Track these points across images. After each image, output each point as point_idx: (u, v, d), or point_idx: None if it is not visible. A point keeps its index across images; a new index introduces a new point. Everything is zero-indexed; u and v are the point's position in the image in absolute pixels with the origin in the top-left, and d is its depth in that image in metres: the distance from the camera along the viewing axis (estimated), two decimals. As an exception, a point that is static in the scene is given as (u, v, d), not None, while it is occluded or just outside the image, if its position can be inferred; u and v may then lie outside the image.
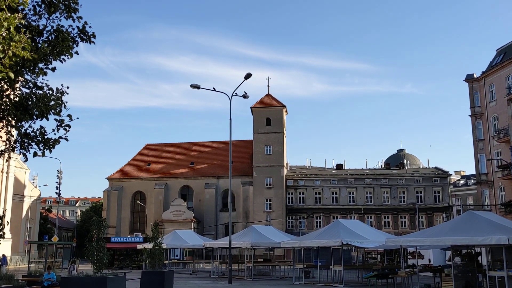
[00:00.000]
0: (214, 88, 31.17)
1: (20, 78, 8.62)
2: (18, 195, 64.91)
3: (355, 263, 38.84)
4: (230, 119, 30.95)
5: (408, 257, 31.89)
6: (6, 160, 56.61)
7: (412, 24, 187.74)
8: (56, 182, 51.68)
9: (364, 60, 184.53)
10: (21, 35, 6.97)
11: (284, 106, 76.98)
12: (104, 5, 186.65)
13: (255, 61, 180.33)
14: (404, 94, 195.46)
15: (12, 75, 7.19)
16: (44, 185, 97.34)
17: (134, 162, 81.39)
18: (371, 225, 62.61)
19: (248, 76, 29.07)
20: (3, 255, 44.76)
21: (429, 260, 31.95)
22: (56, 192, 52.14)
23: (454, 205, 71.29)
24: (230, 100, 30.82)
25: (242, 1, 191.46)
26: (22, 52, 7.06)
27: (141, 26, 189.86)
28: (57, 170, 52.07)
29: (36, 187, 73.62)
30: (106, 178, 78.47)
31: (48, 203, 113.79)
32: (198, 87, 30.17)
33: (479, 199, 55.78)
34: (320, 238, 28.17)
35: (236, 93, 30.86)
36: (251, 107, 76.28)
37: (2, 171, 56.50)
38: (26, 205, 67.89)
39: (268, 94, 78.46)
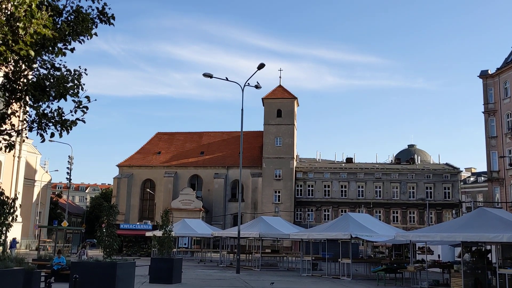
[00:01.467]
0: (226, 78, 31.10)
1: (38, 57, 8.59)
2: (29, 180, 65.44)
3: (363, 257, 38.78)
4: (242, 109, 30.89)
5: (417, 252, 31.77)
6: (19, 143, 57.12)
7: (425, 19, 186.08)
8: (67, 168, 52.12)
9: (376, 54, 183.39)
10: (43, 12, 6.93)
11: (296, 98, 76.77)
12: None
13: (266, 52, 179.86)
14: (415, 89, 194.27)
15: (32, 53, 7.15)
16: (55, 171, 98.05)
17: (144, 150, 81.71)
18: (380, 220, 62.45)
19: (261, 66, 28.95)
20: (13, 239, 45.25)
21: (439, 256, 31.83)
22: (66, 178, 52.60)
23: (464, 201, 70.89)
24: (243, 90, 30.75)
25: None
26: (44, 30, 7.01)
27: (153, 13, 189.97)
28: (68, 156, 52.51)
29: (47, 172, 74.21)
30: (116, 165, 78.93)
31: (58, 188, 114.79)
32: (210, 76, 30.11)
33: (490, 196, 55.43)
34: (329, 230, 28.13)
35: (248, 83, 30.78)
36: (262, 98, 76.14)
37: (14, 156, 56.92)
38: (36, 190, 68.48)
39: (280, 86, 78.26)
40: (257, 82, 31.25)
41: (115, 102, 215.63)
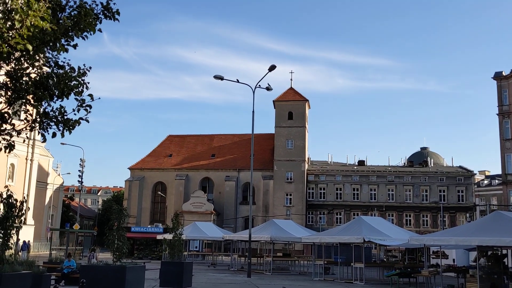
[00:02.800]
0: (237, 80, 30.89)
1: (41, 55, 8.38)
2: (42, 183, 65.81)
3: (376, 261, 38.29)
4: (253, 111, 30.71)
5: (432, 256, 31.29)
6: (32, 147, 57.40)
7: (437, 21, 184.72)
8: (79, 171, 52.14)
9: (387, 56, 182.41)
10: (40, 3, 6.71)
11: (307, 100, 76.41)
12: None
13: (277, 55, 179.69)
14: (428, 91, 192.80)
15: (30, 47, 6.93)
16: (67, 173, 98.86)
17: (156, 153, 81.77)
18: (393, 223, 61.77)
19: (272, 68, 28.72)
20: (24, 241, 45.41)
21: (453, 260, 31.30)
22: (78, 181, 52.62)
23: (478, 204, 69.99)
24: (254, 92, 30.53)
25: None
26: (41, 22, 6.79)
27: (164, 17, 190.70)
28: (80, 159, 52.53)
29: (59, 175, 74.62)
30: (128, 168, 79.09)
31: (70, 191, 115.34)
32: (221, 78, 29.92)
33: (504, 199, 54.64)
34: (341, 234, 27.77)
35: (259, 85, 30.56)
36: (273, 101, 75.89)
37: (26, 159, 57.26)
38: (49, 193, 68.86)
39: (291, 88, 77.96)
40: (268, 84, 31.01)
41: (127, 105, 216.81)
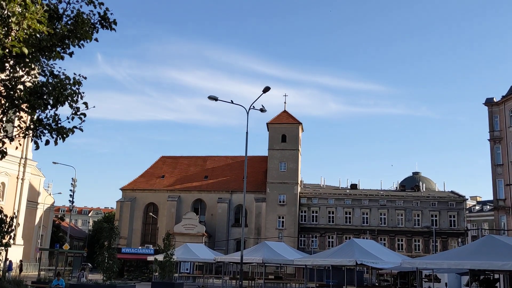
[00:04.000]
0: (232, 101, 31.07)
1: (36, 63, 8.40)
2: (32, 202, 65.21)
3: (368, 285, 38.02)
4: (247, 132, 30.77)
5: (424, 280, 31.13)
6: (23, 166, 57.02)
7: (429, 48, 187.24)
8: (70, 190, 51.65)
9: (378, 82, 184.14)
10: (38, 6, 6.74)
11: (300, 123, 76.69)
12: (123, 17, 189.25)
13: (270, 79, 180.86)
14: (419, 117, 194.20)
15: (26, 50, 6.94)
16: (58, 193, 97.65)
17: (148, 174, 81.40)
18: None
19: (266, 89, 28.93)
20: (10, 261, 44.85)
21: (446, 284, 31.16)
22: (69, 200, 52.10)
23: (470, 229, 69.97)
24: (248, 113, 30.65)
25: (258, 20, 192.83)
26: (38, 25, 6.82)
27: (158, 39, 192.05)
28: (72, 178, 52.11)
29: (50, 194, 73.96)
30: (120, 189, 78.49)
31: (61, 211, 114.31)
32: (216, 99, 30.07)
33: (496, 225, 54.66)
34: (334, 256, 27.65)
35: (253, 107, 30.69)
36: (267, 123, 76.10)
37: (17, 177, 56.83)
38: (39, 212, 68.16)
39: (285, 111, 78.27)
40: (262, 105, 31.21)
41: (119, 126, 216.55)
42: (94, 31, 8.87)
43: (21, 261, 50.66)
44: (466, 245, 35.64)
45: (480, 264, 19.86)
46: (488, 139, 54.37)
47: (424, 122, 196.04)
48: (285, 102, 79.32)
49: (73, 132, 8.70)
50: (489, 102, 55.00)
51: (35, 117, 8.70)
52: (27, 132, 8.75)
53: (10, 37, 7.03)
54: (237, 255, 34.73)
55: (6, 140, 8.75)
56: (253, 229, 72.67)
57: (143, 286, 29.49)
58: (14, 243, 49.75)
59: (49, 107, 8.56)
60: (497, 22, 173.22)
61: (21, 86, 8.40)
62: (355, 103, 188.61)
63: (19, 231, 55.61)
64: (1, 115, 8.54)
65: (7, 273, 40.53)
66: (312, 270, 33.01)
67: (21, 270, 46.51)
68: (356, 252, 26.16)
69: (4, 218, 11.75)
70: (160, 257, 24.66)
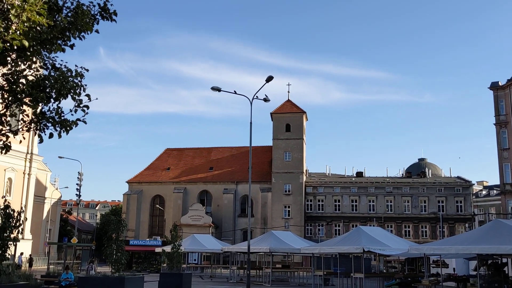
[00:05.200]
0: (235, 91, 30.93)
1: (38, 56, 8.36)
2: (39, 197, 65.54)
3: (375, 272, 38.10)
4: (251, 122, 30.66)
5: (432, 265, 31.13)
6: (29, 161, 57.27)
7: (431, 34, 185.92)
8: (77, 184, 51.88)
9: (381, 69, 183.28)
10: None
11: (304, 112, 76.50)
12: (124, 11, 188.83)
13: (273, 68, 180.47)
14: (423, 103, 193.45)
15: (26, 43, 6.90)
16: (65, 187, 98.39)
17: (154, 166, 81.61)
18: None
19: (269, 79, 28.79)
20: (21, 253, 45.43)
21: (454, 269, 31.16)
22: (76, 194, 52.36)
23: (477, 214, 69.86)
24: (251, 103, 30.55)
25: (261, 9, 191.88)
26: (37, 17, 6.78)
27: (160, 32, 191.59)
28: (78, 172, 52.31)
29: (57, 189, 74.32)
30: (126, 182, 78.84)
31: (68, 205, 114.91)
32: (219, 90, 29.97)
33: (502, 209, 54.56)
34: (341, 244, 27.63)
35: (257, 96, 30.57)
36: (271, 113, 75.98)
37: (24, 173, 57.09)
38: (47, 207, 68.52)
39: (288, 100, 78.09)
40: (266, 95, 31.05)
41: (123, 119, 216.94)
42: (94, 23, 8.81)
43: (30, 255, 51.05)
44: (473, 230, 35.55)
45: (488, 248, 19.78)
46: (494, 124, 54.14)
47: (429, 108, 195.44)
48: (288, 92, 78.97)
49: (76, 124, 8.67)
50: (494, 86, 54.70)
51: (38, 110, 8.67)
52: (30, 126, 8.73)
53: (10, 30, 6.99)
54: (244, 245, 34.83)
55: (10, 134, 8.73)
56: (260, 219, 72.85)
57: (151, 277, 29.67)
58: (22, 238, 50.15)
59: (52, 100, 8.53)
60: (502, 7, 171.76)
61: (23, 80, 8.36)
62: (358, 90, 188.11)
63: (27, 225, 55.97)
64: (4, 109, 8.52)
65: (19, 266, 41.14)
66: (319, 258, 33.02)
67: (30, 265, 46.84)
68: (363, 239, 26.12)
69: (12, 213, 11.79)
70: (168, 249, 24.78)
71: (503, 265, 23.41)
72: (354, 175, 79.14)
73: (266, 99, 30.89)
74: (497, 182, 57.81)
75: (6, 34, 6.88)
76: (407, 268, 35.62)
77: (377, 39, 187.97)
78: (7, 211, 11.72)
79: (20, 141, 10.34)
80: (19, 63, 8.25)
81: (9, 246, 11.83)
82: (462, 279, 24.47)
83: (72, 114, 8.62)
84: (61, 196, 75.35)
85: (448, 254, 23.98)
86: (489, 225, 23.01)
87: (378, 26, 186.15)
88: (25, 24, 6.77)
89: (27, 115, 8.87)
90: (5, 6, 6.66)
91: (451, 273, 28.80)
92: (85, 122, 8.68)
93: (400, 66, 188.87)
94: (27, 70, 8.47)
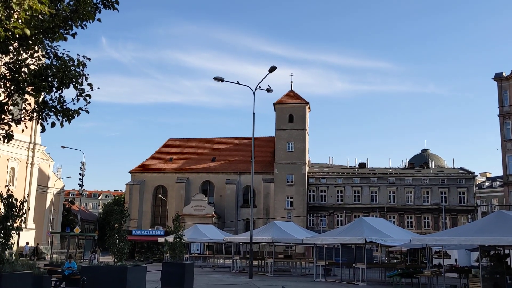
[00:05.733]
0: (238, 82, 30.88)
1: (40, 45, 8.32)
2: (42, 187, 65.71)
3: (377, 262, 38.21)
4: (254, 113, 30.67)
5: (434, 256, 31.16)
6: (32, 150, 57.36)
7: (436, 24, 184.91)
8: (80, 174, 52.03)
9: (385, 59, 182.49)
10: None
11: (307, 103, 76.36)
12: (126, 0, 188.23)
13: (275, 58, 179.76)
14: (427, 94, 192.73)
15: (28, 31, 6.87)
16: (68, 177, 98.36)
17: (156, 157, 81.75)
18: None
19: (272, 69, 28.71)
20: (26, 242, 45.71)
21: (456, 260, 31.20)
22: (79, 184, 52.55)
23: (480, 205, 69.88)
24: (254, 93, 30.50)
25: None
26: (39, 6, 6.74)
27: (162, 21, 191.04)
28: (81, 162, 52.45)
29: (59, 179, 74.49)
30: (129, 172, 79.07)
31: (71, 195, 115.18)
32: (222, 80, 29.91)
33: (506, 200, 54.50)
34: (343, 235, 27.71)
35: (260, 87, 30.52)
36: (274, 104, 75.87)
37: (27, 162, 57.20)
38: (49, 197, 68.73)
39: (291, 91, 77.95)
40: (268, 85, 31.01)
41: (126, 109, 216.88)
42: (96, 11, 8.75)
43: (37, 244, 51.26)
44: (476, 221, 35.54)
45: (490, 239, 19.78)
46: (498, 115, 53.93)
47: (432, 99, 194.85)
48: (291, 82, 79.41)
49: (78, 114, 8.65)
50: (498, 77, 54.43)
51: (40, 99, 8.64)
52: (32, 115, 8.71)
53: (12, 19, 6.94)
54: (246, 235, 34.92)
55: (12, 123, 8.71)
56: (262, 210, 73.00)
57: (154, 267, 29.78)
58: (25, 227, 50.33)
59: (54, 89, 8.50)
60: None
61: (25, 69, 8.33)
62: (362, 81, 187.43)
63: (30, 215, 56.15)
64: (7, 98, 8.50)
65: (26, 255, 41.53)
66: (321, 249, 33.11)
67: (35, 254, 46.91)
68: (365, 230, 26.18)
69: (15, 202, 11.81)
70: (170, 238, 24.82)
71: (505, 256, 23.38)
72: (357, 166, 79.16)
73: (269, 90, 30.85)
74: (500, 173, 57.78)
75: (8, 22, 6.84)
76: (409, 259, 35.69)
77: (381, 29, 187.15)
78: (10, 200, 11.74)
79: (23, 130, 10.34)
80: (21, 52, 8.21)
81: (12, 235, 11.85)
82: (464, 270, 24.45)
83: (74, 103, 8.61)
84: (63, 186, 75.54)
85: (450, 245, 24.00)
86: (491, 216, 23.00)
87: (383, 16, 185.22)
88: (27, 12, 6.72)
89: (29, 104, 8.84)
90: None
91: (453, 264, 28.83)
92: (87, 111, 8.65)
93: (404, 57, 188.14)
94: (29, 59, 8.44)
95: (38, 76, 8.24)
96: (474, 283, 20.93)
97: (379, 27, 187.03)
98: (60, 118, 8.59)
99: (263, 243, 37.39)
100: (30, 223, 56.20)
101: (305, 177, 72.75)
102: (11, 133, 8.72)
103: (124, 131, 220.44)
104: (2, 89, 8.41)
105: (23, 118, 8.81)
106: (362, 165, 78.95)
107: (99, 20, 8.73)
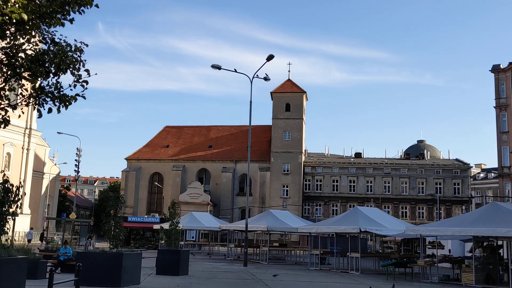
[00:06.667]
0: (235, 69, 30.79)
1: (37, 30, 8.27)
2: (38, 172, 65.70)
3: (371, 252, 38.47)
4: (251, 101, 30.61)
5: (428, 246, 31.38)
6: (28, 136, 57.24)
7: (432, 14, 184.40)
8: (75, 160, 51.99)
9: (383, 49, 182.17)
10: None
11: (305, 92, 76.28)
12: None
13: (273, 47, 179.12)
14: (423, 84, 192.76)
15: (25, 16, 6.84)
16: (64, 163, 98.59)
17: (153, 144, 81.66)
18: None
19: (270, 57, 28.65)
20: (31, 228, 45.88)
21: (449, 250, 31.44)
22: (75, 170, 52.52)
23: (475, 196, 70.25)
24: (251, 82, 30.45)
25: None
26: None
27: (159, 8, 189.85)
28: (76, 148, 52.39)
29: (55, 164, 74.44)
30: (125, 159, 78.99)
31: (67, 181, 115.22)
32: (219, 68, 29.83)
33: (500, 192, 54.83)
34: (338, 224, 27.85)
35: (257, 75, 30.47)
36: (271, 92, 75.76)
37: (22, 148, 57.12)
38: (45, 182, 68.74)
39: (289, 80, 77.79)
40: (266, 74, 30.97)
41: (123, 96, 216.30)
42: None
43: (44, 230, 51.04)
44: (470, 212, 35.75)
45: (484, 231, 19.97)
46: (494, 106, 54.09)
47: (428, 90, 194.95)
48: (289, 71, 78.52)
49: (75, 99, 8.63)
50: (495, 69, 54.49)
51: (37, 85, 8.61)
52: (29, 101, 8.69)
53: (9, 3, 6.90)
54: (242, 223, 35.06)
55: (8, 108, 8.69)
56: (258, 198, 73.19)
57: (149, 254, 29.90)
58: (21, 213, 50.35)
59: (51, 74, 8.47)
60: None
61: (22, 54, 8.29)
62: (359, 71, 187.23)
63: (26, 200, 56.21)
64: (3, 84, 8.47)
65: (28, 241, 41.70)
66: (316, 237, 33.34)
67: (41, 239, 46.68)
68: (360, 219, 26.32)
69: (11, 187, 11.81)
70: (166, 226, 24.91)
71: (498, 247, 23.61)
72: (353, 155, 79.33)
73: (266, 78, 30.82)
74: (495, 165, 58.02)
75: (5, 7, 6.80)
76: (403, 249, 35.91)
77: (378, 18, 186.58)
78: (6, 185, 11.74)
79: (19, 116, 10.33)
80: (18, 37, 8.17)
81: (8, 220, 11.86)
82: (457, 261, 24.67)
83: (71, 89, 8.58)
84: (59, 172, 75.52)
85: (444, 236, 24.19)
86: (486, 208, 23.19)
87: (380, 6, 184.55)
88: None
89: (26, 90, 8.82)
90: None
91: (447, 254, 29.06)
92: (84, 97, 8.64)
93: (401, 47, 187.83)
94: (26, 44, 8.40)
95: (35, 61, 8.21)
96: (467, 274, 21.12)
97: (377, 17, 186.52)
98: (57, 104, 8.57)
99: (258, 231, 37.56)
100: (26, 209, 56.26)
101: (301, 166, 72.89)
102: (8, 118, 8.70)
103: (121, 117, 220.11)
104: None
105: (19, 104, 8.78)
106: (358, 155, 79.15)
107: (96, 6, 8.67)
